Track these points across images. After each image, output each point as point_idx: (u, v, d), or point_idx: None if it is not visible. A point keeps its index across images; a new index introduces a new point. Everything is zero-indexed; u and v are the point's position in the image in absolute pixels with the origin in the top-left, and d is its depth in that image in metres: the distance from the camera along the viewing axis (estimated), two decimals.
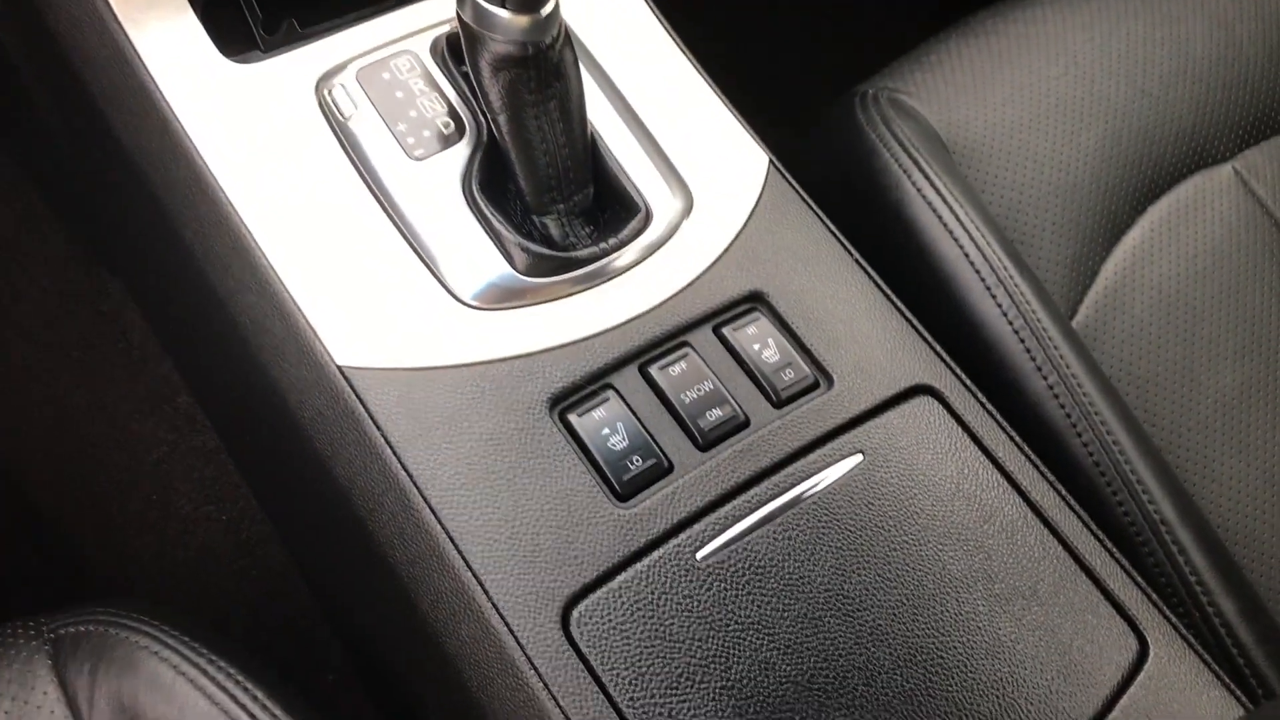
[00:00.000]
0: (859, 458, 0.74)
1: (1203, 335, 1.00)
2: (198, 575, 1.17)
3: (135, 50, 0.76)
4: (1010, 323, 0.88)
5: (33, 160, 1.13)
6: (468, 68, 0.75)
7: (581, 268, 0.76)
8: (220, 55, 0.78)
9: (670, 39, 0.89)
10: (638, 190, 0.79)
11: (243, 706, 0.71)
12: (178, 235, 0.78)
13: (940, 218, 0.90)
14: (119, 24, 0.76)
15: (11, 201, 1.17)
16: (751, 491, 0.71)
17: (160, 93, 0.76)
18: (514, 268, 0.75)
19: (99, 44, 0.77)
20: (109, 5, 0.76)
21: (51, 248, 1.17)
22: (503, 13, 0.69)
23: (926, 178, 0.92)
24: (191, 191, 0.76)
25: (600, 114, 0.82)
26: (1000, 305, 0.88)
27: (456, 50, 0.80)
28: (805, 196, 0.84)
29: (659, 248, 0.79)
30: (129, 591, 1.16)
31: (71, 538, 1.17)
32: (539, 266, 0.75)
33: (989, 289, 0.88)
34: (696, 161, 0.83)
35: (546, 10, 0.70)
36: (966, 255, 0.89)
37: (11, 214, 1.18)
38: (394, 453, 0.69)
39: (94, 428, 1.18)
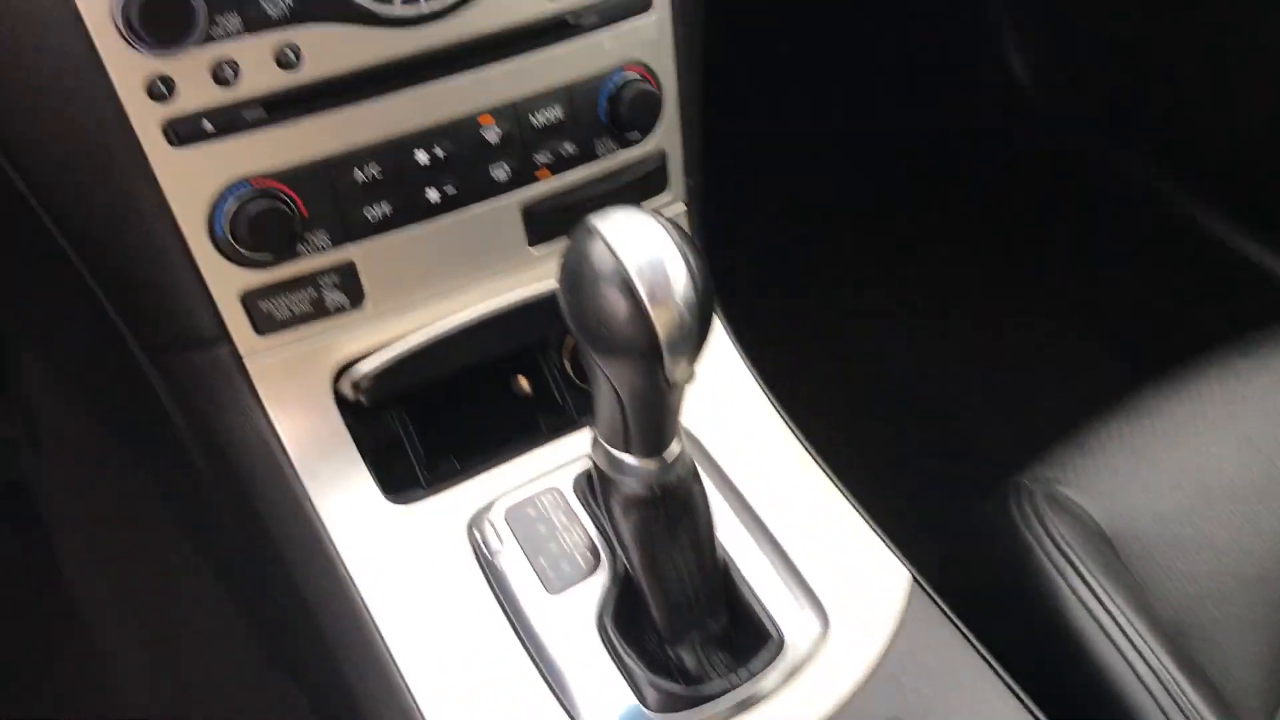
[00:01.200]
0: None
1: None
2: None
3: (310, 502, 0.84)
4: None
5: (223, 571, 1.26)
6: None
7: (713, 703, 0.76)
8: (384, 499, 0.85)
9: (805, 451, 0.91)
10: (770, 617, 0.80)
11: None
12: (338, 663, 0.83)
13: (1101, 625, 0.86)
14: (298, 478, 0.85)
15: (210, 607, 1.29)
16: None
17: (330, 539, 0.83)
18: (645, 705, 0.76)
19: (280, 494, 0.85)
20: (290, 462, 0.85)
21: (245, 654, 1.27)
22: (630, 459, 0.74)
23: (1084, 580, 0.88)
24: (349, 627, 0.81)
25: (732, 535, 0.84)
26: None
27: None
28: (951, 615, 0.82)
29: (794, 676, 0.78)
30: None
31: None
32: (671, 704, 0.76)
33: (1159, 705, 0.82)
34: (833, 581, 0.83)
35: (671, 456, 0.74)
36: (1133, 667, 0.84)
37: (211, 619, 1.30)
38: None
39: None
